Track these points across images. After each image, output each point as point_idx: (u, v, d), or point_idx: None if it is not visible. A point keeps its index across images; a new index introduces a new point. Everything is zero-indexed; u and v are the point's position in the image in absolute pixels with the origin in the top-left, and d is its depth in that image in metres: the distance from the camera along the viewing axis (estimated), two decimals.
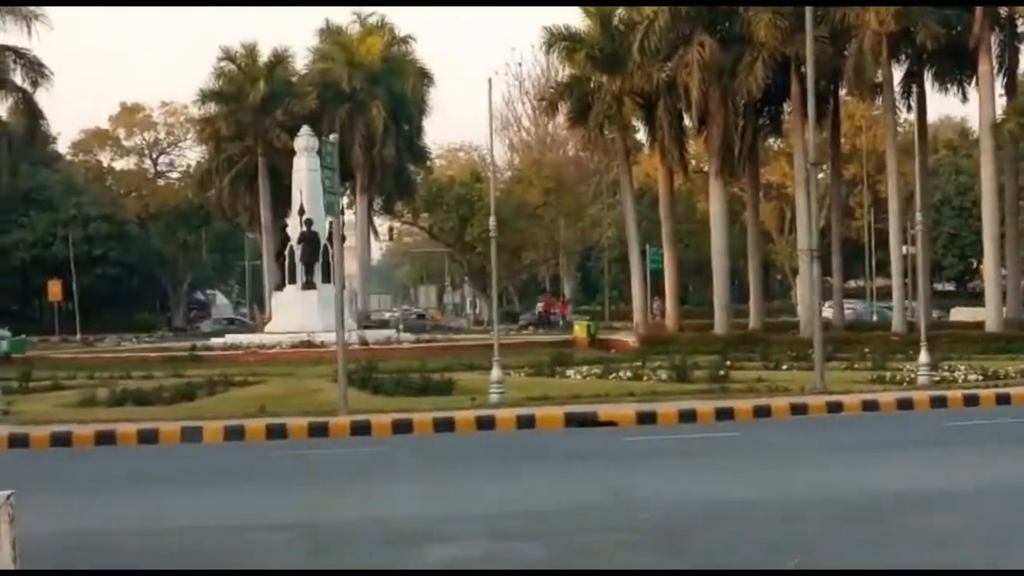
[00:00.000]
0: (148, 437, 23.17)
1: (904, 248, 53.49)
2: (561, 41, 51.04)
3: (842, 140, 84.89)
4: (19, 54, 49.65)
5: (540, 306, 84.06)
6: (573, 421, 24.14)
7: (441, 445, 21.99)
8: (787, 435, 21.89)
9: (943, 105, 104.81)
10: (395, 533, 12.15)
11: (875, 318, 66.70)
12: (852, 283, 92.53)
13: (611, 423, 24.02)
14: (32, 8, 49.44)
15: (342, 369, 25.76)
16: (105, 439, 22.93)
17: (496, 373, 27.76)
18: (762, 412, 25.17)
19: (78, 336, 69.70)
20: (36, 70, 50.00)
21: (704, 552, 10.92)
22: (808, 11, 29.92)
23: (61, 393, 31.33)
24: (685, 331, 51.10)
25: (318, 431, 23.61)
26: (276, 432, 23.47)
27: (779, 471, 16.67)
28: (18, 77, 50.16)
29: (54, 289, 72.76)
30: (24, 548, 8.61)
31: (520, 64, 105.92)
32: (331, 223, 56.37)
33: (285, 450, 21.38)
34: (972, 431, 21.74)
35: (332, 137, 25.60)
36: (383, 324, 64.60)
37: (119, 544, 12.07)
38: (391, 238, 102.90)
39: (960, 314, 68.16)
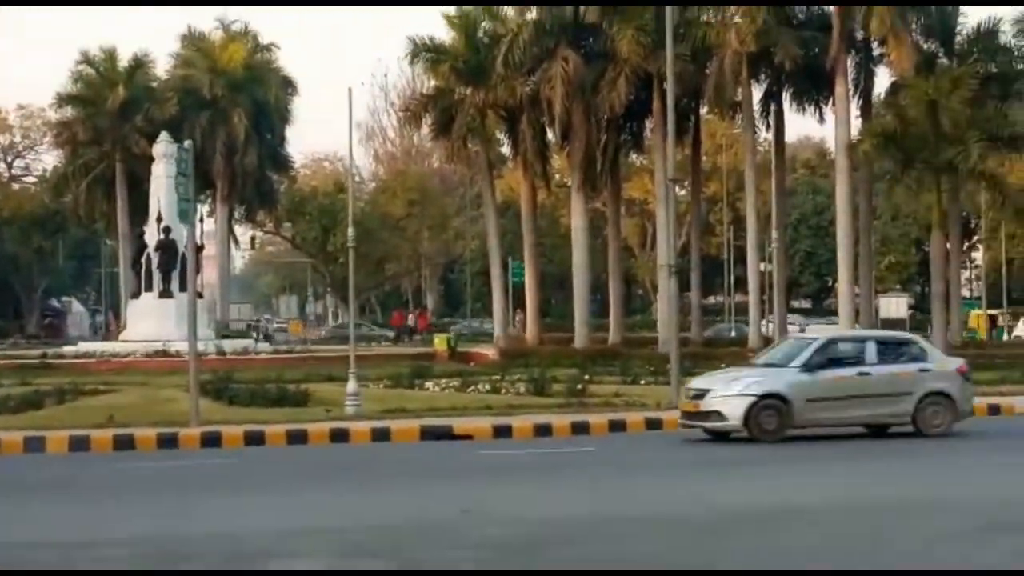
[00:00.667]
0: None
1: (761, 265, 54.27)
2: (425, 52, 50.93)
3: (703, 158, 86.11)
4: None
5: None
6: (428, 434, 23.99)
7: (293, 458, 21.68)
8: (641, 451, 21.97)
9: (802, 125, 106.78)
10: (239, 548, 11.88)
11: (733, 334, 67.49)
12: (712, 299, 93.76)
13: (467, 436, 23.92)
14: None
15: (193, 379, 25.29)
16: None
17: (352, 385, 27.50)
18: (617, 427, 25.27)
19: None
20: None
21: (549, 571, 10.81)
22: (668, 28, 30.09)
23: None
24: (546, 344, 51.17)
25: (167, 442, 23.16)
26: (124, 443, 22.98)
27: (628, 488, 16.67)
28: None
29: None
30: None
31: (386, 75, 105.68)
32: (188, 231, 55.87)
33: (132, 462, 20.91)
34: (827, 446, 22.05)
35: (187, 143, 25.20)
36: (242, 334, 63.75)
37: None
38: (253, 247, 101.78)
39: (815, 331, 69.31)
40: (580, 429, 24.77)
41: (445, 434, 24.06)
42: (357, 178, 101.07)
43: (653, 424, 25.45)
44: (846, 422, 22.61)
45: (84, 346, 52.98)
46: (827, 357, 22.56)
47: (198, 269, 51.11)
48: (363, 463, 20.67)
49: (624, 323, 55.45)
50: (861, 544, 11.80)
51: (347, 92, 27.82)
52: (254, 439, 23.49)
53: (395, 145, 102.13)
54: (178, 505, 15.45)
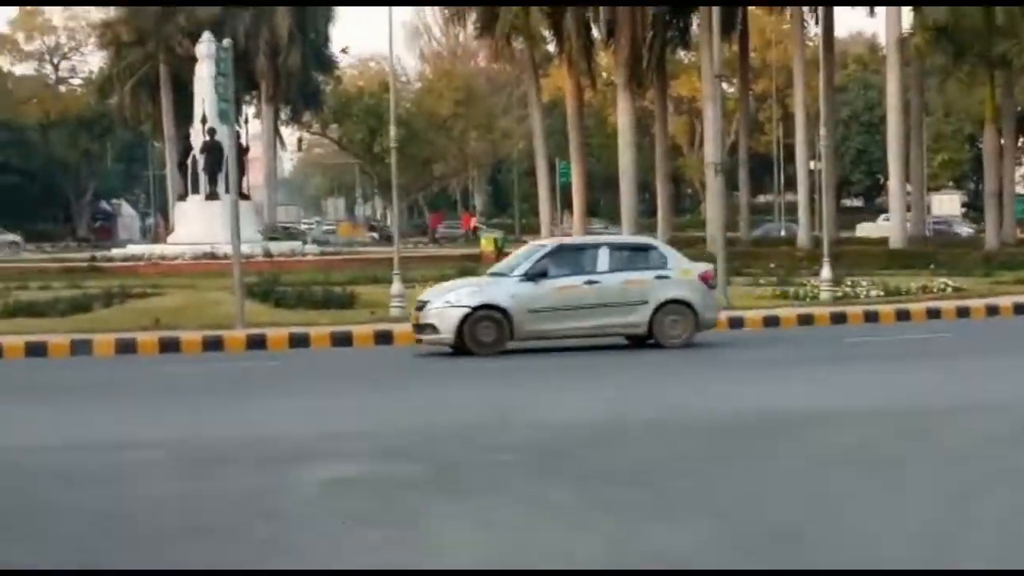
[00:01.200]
0: (36, 350, 22.63)
1: (811, 163, 53.62)
2: None
3: (752, 54, 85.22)
4: None
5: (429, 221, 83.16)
6: None
7: (336, 360, 21.66)
8: (682, 352, 21.75)
9: (854, 19, 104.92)
10: (272, 451, 11.82)
11: (783, 233, 66.96)
12: (762, 198, 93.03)
13: None
14: None
15: (238, 281, 25.33)
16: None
17: (396, 287, 27.46)
18: None
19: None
20: None
21: (578, 473, 10.67)
22: None
23: None
24: None
25: (212, 345, 23.24)
26: (169, 346, 23.06)
27: (664, 389, 16.51)
28: None
29: None
30: None
31: None
32: (235, 132, 55.70)
33: (177, 365, 20.95)
34: (871, 347, 21.76)
35: (226, 43, 24.98)
36: (290, 236, 63.76)
37: None
38: (300, 149, 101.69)
39: (866, 230, 68.81)
40: None
41: None
42: (404, 78, 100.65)
43: None
44: (575, 333, 21.28)
45: (132, 249, 53.13)
46: (553, 265, 21.25)
47: (243, 171, 51.60)
48: (403, 364, 20.62)
49: (672, 222, 55.10)
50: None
51: None
52: (299, 341, 23.53)
53: (441, 44, 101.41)
54: (218, 407, 15.46)
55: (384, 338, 23.85)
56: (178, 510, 9.47)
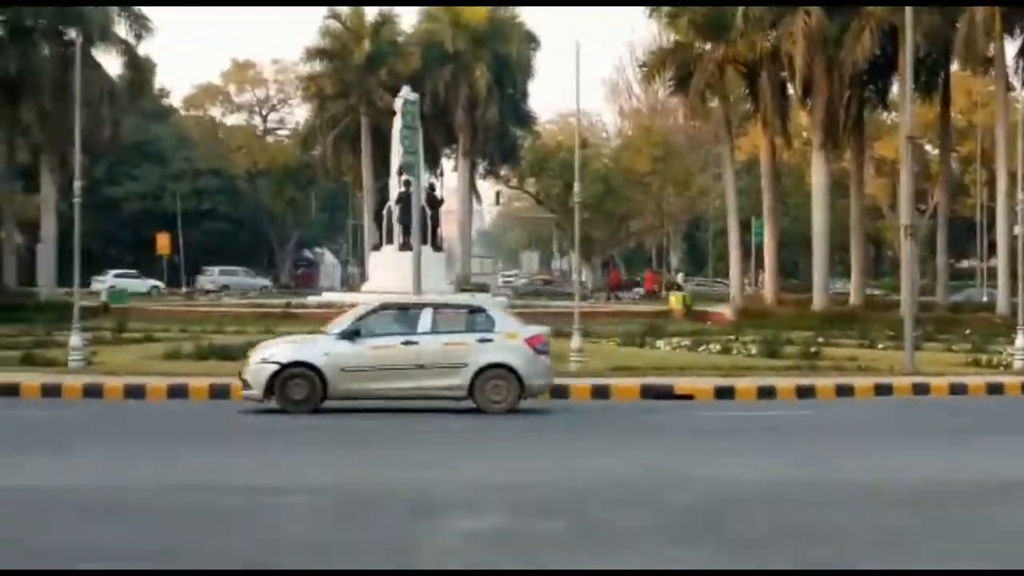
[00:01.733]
0: (220, 392, 23.12)
1: (1016, 228, 52.05)
2: (664, 6, 50.26)
3: (958, 116, 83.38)
4: (123, 6, 49.94)
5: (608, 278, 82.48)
6: (648, 393, 23.76)
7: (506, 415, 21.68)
8: (859, 416, 21.32)
9: None
10: (425, 498, 11.94)
11: (985, 299, 65.03)
12: (966, 263, 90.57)
13: (688, 396, 23.61)
14: None
15: None
16: (177, 392, 22.91)
17: (576, 341, 27.52)
18: (845, 391, 24.59)
19: (183, 289, 70.52)
20: (140, 23, 50.17)
21: (725, 540, 10.49)
22: None
23: (151, 345, 31.44)
24: (784, 305, 50.22)
25: None
26: None
27: (828, 454, 16.14)
28: (122, 30, 50.49)
29: (162, 242, 73.50)
30: None
31: (633, 30, 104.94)
32: (431, 184, 56.62)
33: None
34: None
35: (413, 96, 25.52)
36: (482, 288, 64.37)
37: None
38: (498, 202, 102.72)
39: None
40: (806, 393, 24.20)
41: (665, 393, 23.79)
42: (604, 134, 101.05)
43: (883, 389, 24.73)
44: (391, 394, 20.62)
45: (327, 296, 54.27)
46: (374, 324, 20.75)
47: (437, 223, 52.40)
48: (573, 420, 20.55)
49: (866, 285, 54.09)
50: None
51: (575, 47, 27.57)
52: None
53: (640, 101, 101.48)
54: (353, 456, 15.69)
55: (560, 392, 23.73)
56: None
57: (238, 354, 27.43)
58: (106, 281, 68.32)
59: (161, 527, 10.74)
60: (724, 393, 23.81)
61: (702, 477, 13.85)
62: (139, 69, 52.59)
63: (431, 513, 11.34)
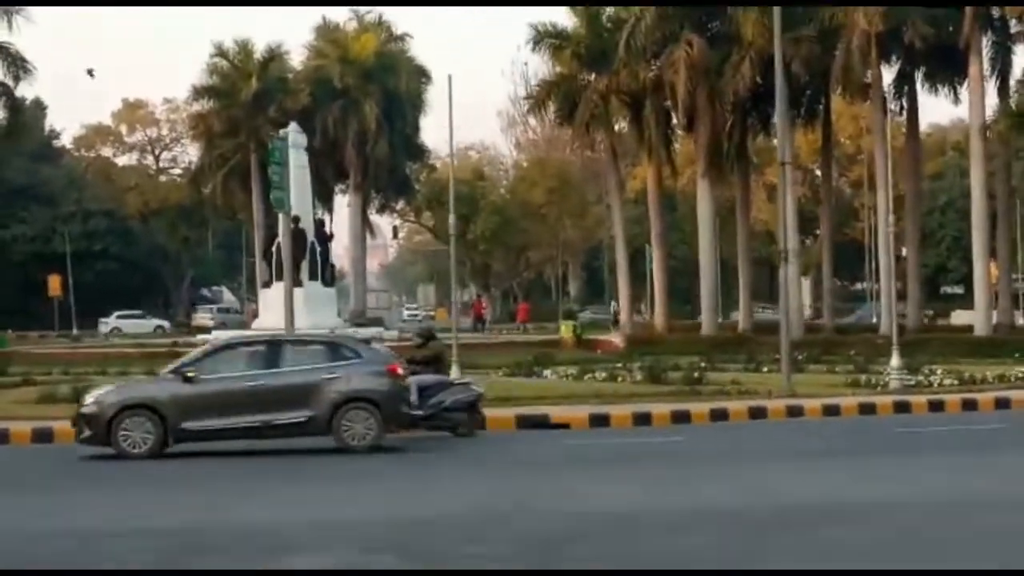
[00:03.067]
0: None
1: (903, 250, 52.96)
2: (548, 38, 50.60)
3: (847, 141, 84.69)
4: (0, 48, 49.31)
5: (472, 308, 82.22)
6: (524, 423, 23.78)
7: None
8: (729, 441, 21.46)
9: (943, 108, 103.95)
10: (264, 542, 11.85)
11: (875, 320, 66.01)
12: (859, 285, 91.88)
13: (563, 425, 23.64)
14: (12, 6, 49.02)
15: None
16: (42, 437, 22.46)
17: (454, 373, 27.43)
18: (719, 416, 24.77)
19: (74, 331, 69.59)
20: (18, 64, 49.51)
21: (564, 571, 10.50)
22: (776, 12, 29.36)
23: (28, 389, 30.91)
24: (674, 332, 50.62)
25: None
26: None
27: (695, 480, 16.22)
28: None
29: (54, 284, 72.73)
30: None
31: (526, 63, 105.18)
32: (320, 220, 56.30)
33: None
34: (919, 438, 21.24)
35: (282, 133, 25.35)
36: (376, 323, 64.17)
37: None
38: (396, 236, 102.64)
39: (961, 317, 67.58)
40: (681, 418, 24.34)
41: (541, 423, 23.82)
42: (501, 167, 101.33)
43: (757, 413, 24.99)
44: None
45: (216, 334, 53.67)
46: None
47: (327, 258, 52.08)
48: (444, 451, 20.47)
49: (760, 308, 54.76)
50: None
51: (447, 80, 27.63)
52: None
53: (536, 133, 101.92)
54: (196, 498, 15.52)
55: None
56: None
57: None
58: (109, 323, 74.80)
59: None
60: (599, 421, 23.89)
61: (549, 508, 13.85)
62: (17, 111, 51.89)
63: (274, 552, 11.25)
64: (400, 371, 20.61)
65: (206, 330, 60.97)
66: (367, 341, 23.28)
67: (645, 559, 10.76)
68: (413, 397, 21.19)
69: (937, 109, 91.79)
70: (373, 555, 11.16)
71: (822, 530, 12.08)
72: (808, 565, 10.38)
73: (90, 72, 76.63)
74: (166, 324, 77.86)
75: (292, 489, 16.14)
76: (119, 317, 77.01)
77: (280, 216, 49.62)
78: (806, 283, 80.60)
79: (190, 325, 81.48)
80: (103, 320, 75.86)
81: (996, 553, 10.88)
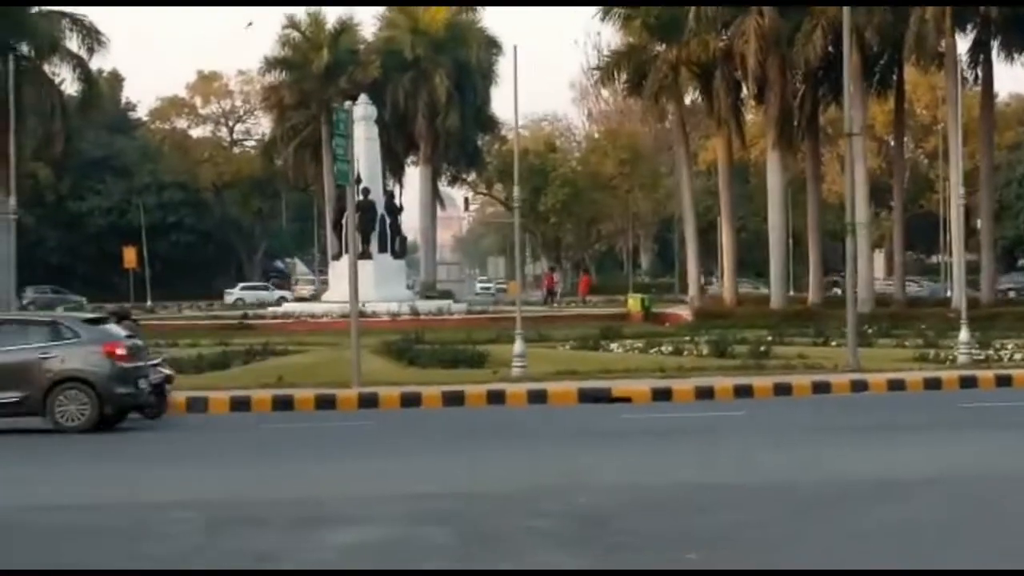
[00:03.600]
0: None
1: (978, 223, 52.18)
2: (617, 8, 50.24)
3: (923, 112, 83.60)
4: (75, 20, 49.58)
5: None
6: (586, 397, 23.75)
7: (438, 420, 21.59)
8: (792, 415, 21.32)
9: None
10: (311, 512, 11.94)
11: (948, 294, 65.20)
12: (935, 259, 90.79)
13: (625, 399, 23.58)
14: None
15: (354, 340, 25.48)
16: None
17: (518, 346, 27.36)
18: (783, 390, 24.60)
19: (148, 303, 70.31)
20: (92, 36, 49.83)
21: (609, 545, 10.49)
22: None
23: None
24: (743, 305, 50.31)
25: (325, 404, 23.36)
26: (283, 403, 23.23)
27: (749, 454, 16.13)
28: (73, 44, 50.19)
29: (129, 256, 73.22)
30: None
31: (599, 33, 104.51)
32: (390, 192, 56.51)
33: (279, 423, 21.18)
34: (985, 413, 21.00)
35: (347, 104, 25.40)
36: (446, 295, 64.37)
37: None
38: (467, 208, 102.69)
39: None
40: (743, 392, 24.21)
41: (603, 397, 23.78)
42: (573, 138, 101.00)
43: (821, 388, 24.80)
44: None
45: (286, 307, 54.12)
46: None
47: (397, 230, 52.29)
48: (501, 425, 20.53)
49: (824, 282, 54.29)
50: None
51: (513, 51, 27.55)
52: (411, 401, 23.52)
53: (609, 104, 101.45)
54: (279, 467, 15.70)
55: (497, 398, 23.75)
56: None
57: (186, 367, 27.43)
58: (234, 294, 77.42)
59: None
60: (661, 395, 23.80)
61: (603, 483, 13.84)
62: (91, 83, 52.34)
63: None
64: (120, 351, 19.89)
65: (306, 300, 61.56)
66: (127, 319, 22.59)
67: (678, 538, 10.69)
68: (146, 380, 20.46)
69: (1018, 79, 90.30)
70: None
71: (871, 507, 11.98)
72: (843, 547, 10.29)
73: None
74: (288, 294, 77.64)
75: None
76: (243, 288, 79.11)
77: (356, 188, 50.51)
78: (879, 256, 79.86)
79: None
80: (228, 291, 78.67)
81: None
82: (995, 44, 48.09)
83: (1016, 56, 47.97)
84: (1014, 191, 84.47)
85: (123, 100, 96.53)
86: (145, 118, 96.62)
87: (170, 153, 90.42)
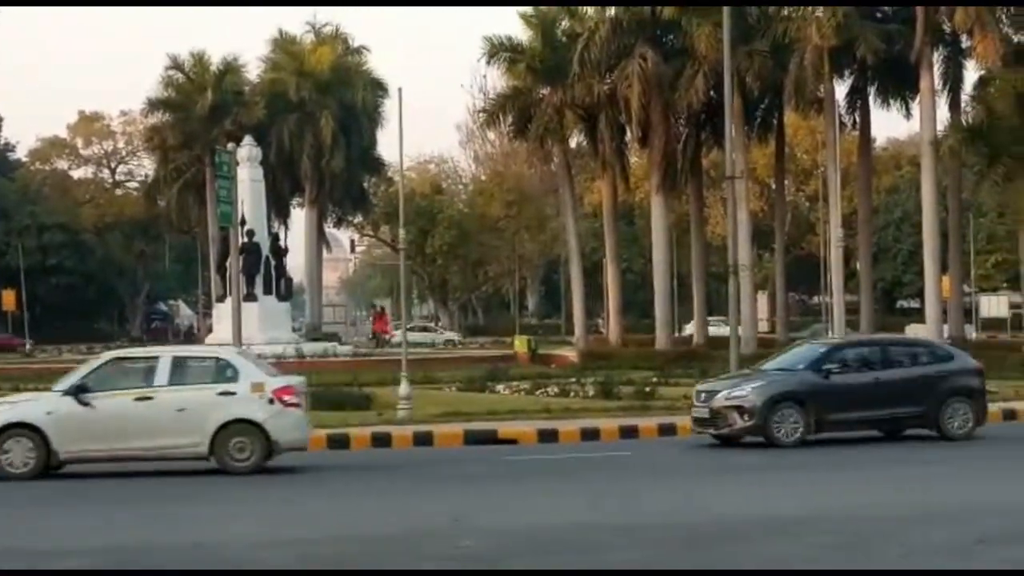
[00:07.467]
0: None
1: (857, 265, 53.22)
2: (502, 52, 50.59)
3: (804, 155, 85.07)
4: None
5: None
6: (472, 439, 23.69)
7: (320, 463, 21.35)
8: (677, 455, 21.50)
9: (898, 122, 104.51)
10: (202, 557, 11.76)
11: (829, 334, 66.27)
12: (816, 299, 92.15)
13: (511, 441, 23.57)
14: None
15: None
16: None
17: (404, 389, 27.29)
18: (668, 431, 24.75)
19: (27, 346, 69.09)
20: None
21: None
22: (727, 26, 29.46)
23: None
24: (629, 346, 50.63)
25: None
26: None
27: (636, 494, 16.21)
28: None
29: (7, 298, 72.24)
30: None
31: (484, 76, 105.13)
32: (275, 234, 56.20)
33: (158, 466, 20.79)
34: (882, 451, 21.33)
35: (231, 146, 25.24)
36: (332, 336, 64.04)
37: None
38: (352, 250, 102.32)
39: (914, 331, 67.92)
40: (629, 433, 24.29)
41: (489, 438, 23.73)
42: (459, 180, 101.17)
43: None
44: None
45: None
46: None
47: (282, 272, 51.94)
48: (385, 468, 20.36)
49: (719, 323, 54.88)
50: None
51: (398, 92, 27.58)
52: None
53: (495, 146, 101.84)
54: (139, 514, 15.30)
55: (382, 440, 23.60)
56: None
57: None
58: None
59: None
60: (548, 436, 23.82)
61: (503, 524, 13.81)
62: None
63: None
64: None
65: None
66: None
67: None
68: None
69: (894, 124, 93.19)
70: None
71: (754, 545, 12.08)
72: None
73: None
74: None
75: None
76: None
77: (240, 230, 50.10)
78: (762, 297, 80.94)
79: (145, 339, 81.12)
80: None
81: None
82: (871, 90, 49.22)
83: (892, 101, 49.06)
84: (892, 234, 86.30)
85: (2, 140, 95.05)
86: (24, 159, 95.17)
87: (50, 194, 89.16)
